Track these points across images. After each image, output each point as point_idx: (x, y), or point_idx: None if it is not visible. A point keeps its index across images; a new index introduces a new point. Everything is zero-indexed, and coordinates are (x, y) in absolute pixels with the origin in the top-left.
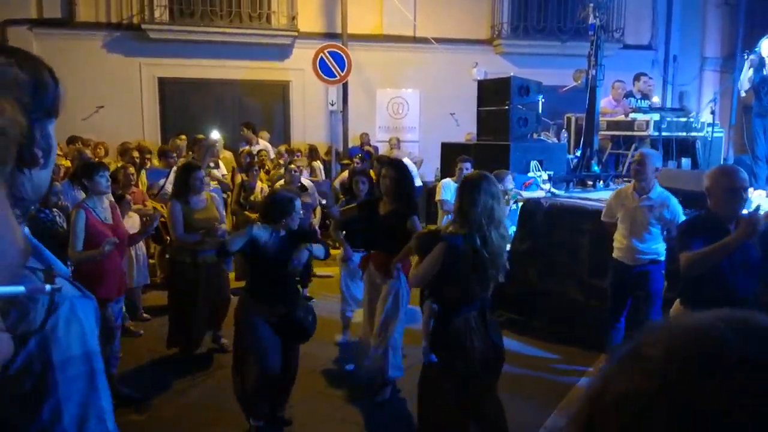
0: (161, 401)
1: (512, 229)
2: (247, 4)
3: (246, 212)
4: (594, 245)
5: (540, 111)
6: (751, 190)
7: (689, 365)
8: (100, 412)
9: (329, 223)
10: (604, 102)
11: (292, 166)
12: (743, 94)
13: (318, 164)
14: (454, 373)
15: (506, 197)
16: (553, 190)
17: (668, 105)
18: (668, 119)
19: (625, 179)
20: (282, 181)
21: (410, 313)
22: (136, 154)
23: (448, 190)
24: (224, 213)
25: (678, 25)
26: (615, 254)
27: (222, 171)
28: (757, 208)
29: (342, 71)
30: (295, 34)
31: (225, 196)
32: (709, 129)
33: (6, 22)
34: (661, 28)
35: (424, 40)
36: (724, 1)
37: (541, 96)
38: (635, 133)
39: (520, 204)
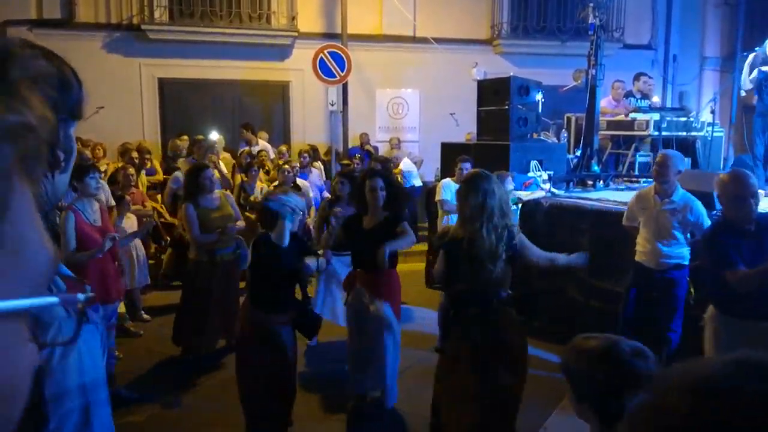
0: (161, 401)
1: None
2: (247, 4)
3: (246, 213)
4: (594, 245)
5: (540, 111)
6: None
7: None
8: None
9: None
10: (604, 102)
11: (286, 166)
12: (743, 94)
13: (318, 165)
14: (452, 358)
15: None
16: (553, 189)
17: (668, 105)
18: (668, 119)
19: (624, 179)
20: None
21: (406, 312)
22: (135, 154)
23: (448, 190)
24: (238, 210)
25: (678, 24)
26: (638, 257)
27: (222, 170)
28: None
29: (342, 71)
30: (295, 34)
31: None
32: (709, 129)
33: (5, 23)
34: (660, 27)
35: (424, 40)
36: (723, 1)
37: (541, 95)
38: (635, 133)
39: (520, 204)
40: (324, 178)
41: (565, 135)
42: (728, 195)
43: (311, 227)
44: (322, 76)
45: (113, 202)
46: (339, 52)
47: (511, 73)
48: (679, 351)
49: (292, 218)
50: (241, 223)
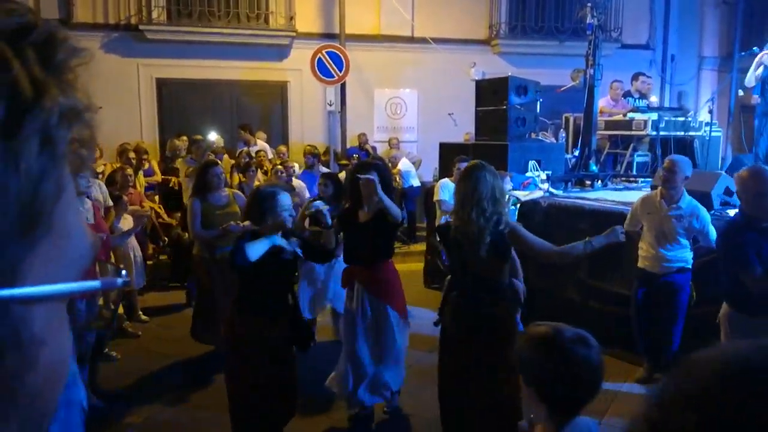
0: (160, 402)
1: None
2: (245, 4)
3: None
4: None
5: (538, 111)
6: None
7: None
8: None
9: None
10: (603, 101)
11: (279, 166)
12: (741, 93)
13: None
14: (444, 336)
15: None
16: (551, 189)
17: (666, 104)
18: (666, 119)
19: (622, 179)
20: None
21: None
22: (132, 155)
23: (446, 189)
24: None
25: (676, 24)
26: (640, 263)
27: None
28: None
29: (340, 71)
30: (293, 34)
31: None
32: (707, 128)
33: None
34: (658, 27)
35: (422, 40)
36: (721, 1)
37: (539, 95)
38: (633, 133)
39: (518, 205)
40: None
41: (564, 135)
42: (748, 191)
43: (306, 226)
44: (321, 76)
45: (111, 203)
46: (337, 52)
47: (510, 73)
48: (679, 354)
49: (276, 241)
50: (247, 223)
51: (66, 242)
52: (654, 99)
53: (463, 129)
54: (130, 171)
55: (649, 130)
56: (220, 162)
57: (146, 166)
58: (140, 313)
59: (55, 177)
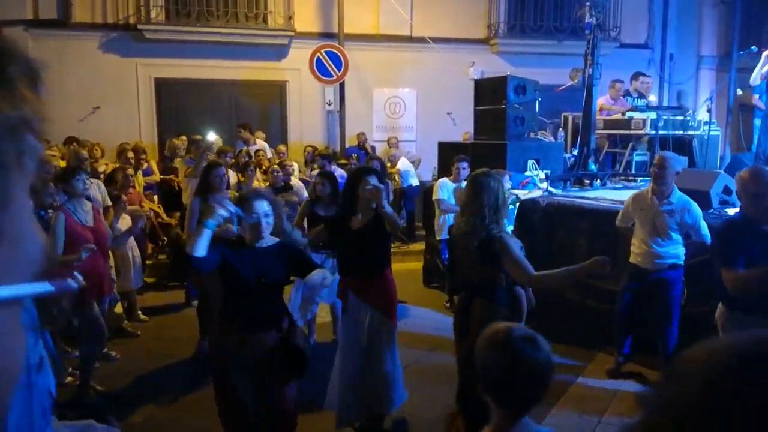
0: (159, 401)
1: (510, 228)
2: (244, 4)
3: None
4: (591, 244)
5: (537, 110)
6: None
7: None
8: None
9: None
10: (602, 99)
11: (275, 166)
12: (740, 92)
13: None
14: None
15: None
16: (550, 189)
17: (665, 103)
18: (665, 118)
19: (621, 178)
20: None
21: (404, 312)
22: (131, 155)
23: (445, 189)
24: None
25: (674, 23)
26: (632, 259)
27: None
28: None
29: (339, 71)
30: (292, 33)
31: None
32: (706, 127)
33: (1, 23)
34: (657, 26)
35: (421, 40)
36: (720, 0)
37: (538, 94)
38: (632, 132)
39: (517, 204)
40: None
41: (562, 134)
42: (748, 192)
43: (304, 226)
44: (319, 75)
45: (110, 202)
46: (336, 51)
47: (508, 73)
48: (677, 351)
49: (213, 225)
50: None
51: (16, 249)
52: (652, 98)
53: (461, 128)
54: (131, 171)
55: (647, 130)
56: (229, 160)
57: (145, 166)
58: (139, 312)
59: (1, 187)
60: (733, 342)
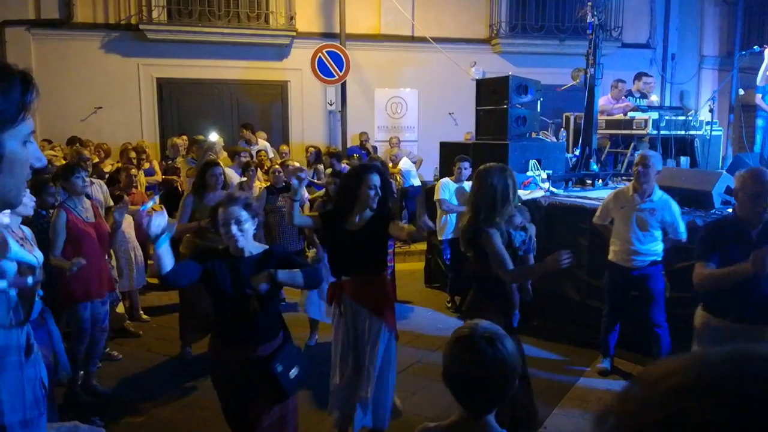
0: (160, 401)
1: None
2: (245, 4)
3: None
4: (593, 245)
5: (538, 110)
6: None
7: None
8: None
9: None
10: (603, 100)
11: (277, 166)
12: (742, 92)
13: (322, 167)
14: None
15: None
16: (552, 189)
17: (667, 103)
18: (667, 118)
19: (623, 178)
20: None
21: (406, 311)
22: (133, 154)
23: (446, 189)
24: None
25: (676, 23)
26: (611, 257)
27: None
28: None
29: (340, 71)
30: (294, 34)
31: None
32: (708, 127)
33: (4, 23)
34: (659, 26)
35: (423, 40)
36: (722, 0)
37: (539, 94)
38: (634, 132)
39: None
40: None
41: (564, 134)
42: (747, 191)
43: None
44: (321, 75)
45: (112, 203)
46: (337, 51)
47: (510, 73)
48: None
49: (165, 240)
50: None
51: None
52: (654, 98)
53: (463, 128)
54: (134, 171)
55: (649, 130)
56: (243, 160)
57: (146, 166)
58: (141, 312)
59: None
60: (695, 363)
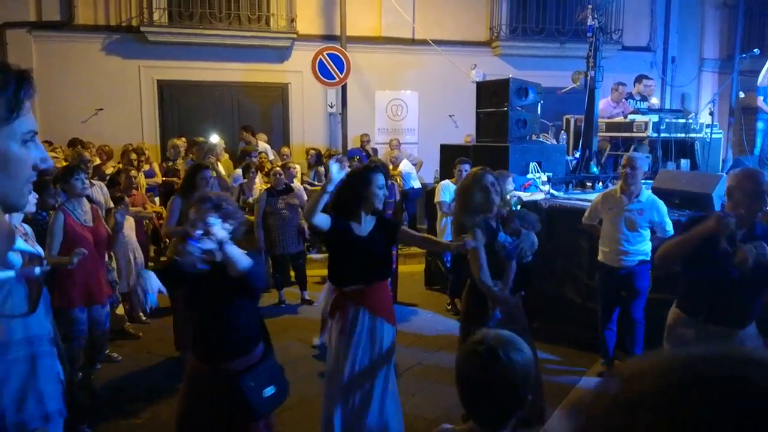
0: (160, 403)
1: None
2: (246, 6)
3: (246, 215)
4: (593, 247)
5: (539, 112)
6: None
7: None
8: (39, 395)
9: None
10: (603, 103)
11: (278, 168)
12: (742, 95)
13: (323, 170)
14: None
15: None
16: (552, 191)
17: (667, 106)
18: (667, 120)
19: None
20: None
21: (407, 312)
22: (134, 156)
23: (447, 191)
24: None
25: (676, 26)
26: (601, 258)
27: (220, 172)
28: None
29: (341, 73)
30: (294, 36)
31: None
32: (708, 130)
33: (5, 25)
34: (659, 29)
35: (423, 42)
36: (722, 2)
37: (540, 96)
38: (634, 135)
39: (519, 206)
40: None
41: (564, 137)
42: (746, 190)
43: (306, 228)
44: (321, 78)
45: (112, 204)
46: (338, 54)
47: (510, 75)
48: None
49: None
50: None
51: None
52: (655, 101)
53: (463, 131)
54: (134, 173)
55: (650, 132)
56: (255, 161)
57: (146, 167)
58: (141, 314)
59: None
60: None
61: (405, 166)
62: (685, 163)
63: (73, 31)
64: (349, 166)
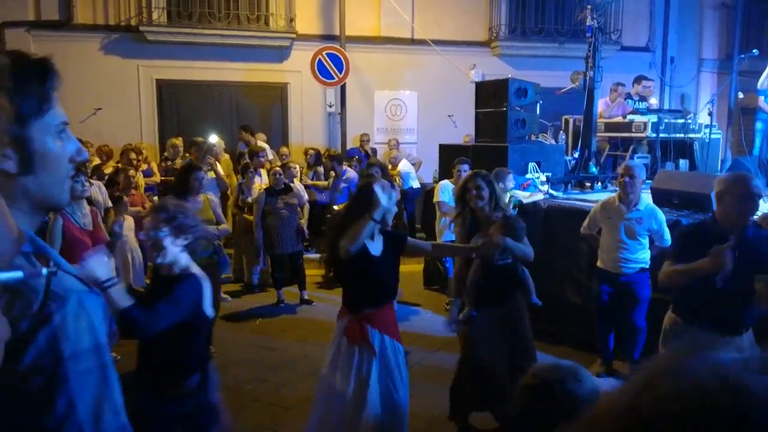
0: None
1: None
2: (245, 6)
3: (244, 215)
4: (592, 248)
5: (538, 113)
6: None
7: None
8: (114, 405)
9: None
10: (602, 104)
11: (277, 168)
12: (741, 96)
13: (322, 170)
14: None
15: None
16: (551, 191)
17: (666, 106)
18: (666, 121)
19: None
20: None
21: (406, 312)
22: (133, 155)
23: (446, 191)
24: (221, 214)
25: (675, 26)
26: (600, 264)
27: (219, 172)
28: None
29: (340, 73)
30: (294, 36)
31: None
32: (707, 130)
33: (3, 24)
34: (658, 29)
35: (422, 42)
36: (721, 3)
37: (539, 97)
38: (633, 135)
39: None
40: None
41: (563, 137)
42: (734, 194)
43: (305, 228)
44: (321, 77)
45: (110, 204)
46: (337, 53)
47: (509, 75)
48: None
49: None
50: (224, 227)
51: None
52: (654, 101)
53: (462, 131)
54: (133, 172)
55: (648, 133)
56: (262, 161)
57: (144, 167)
58: None
59: None
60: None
61: (404, 166)
62: (683, 163)
63: (71, 30)
64: (350, 166)
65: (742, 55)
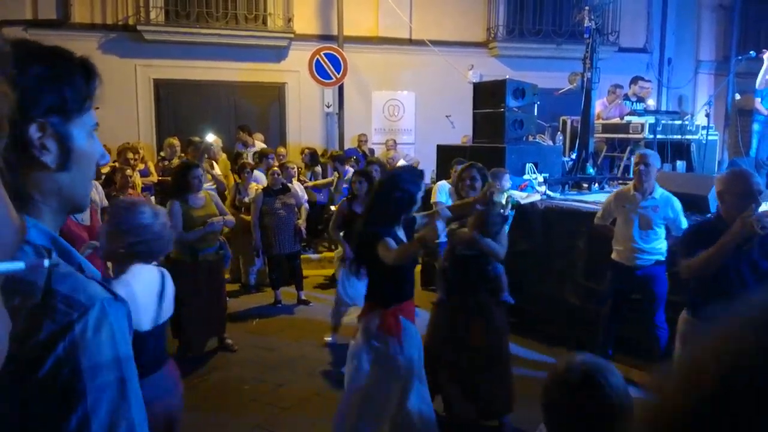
0: None
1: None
2: (243, 5)
3: (241, 215)
4: (590, 248)
5: (535, 113)
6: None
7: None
8: (130, 423)
9: (321, 227)
10: (599, 104)
11: (275, 168)
12: (738, 97)
13: (320, 170)
14: None
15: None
16: (548, 192)
17: (663, 108)
18: (663, 122)
19: (620, 182)
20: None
21: None
22: (131, 155)
23: (443, 191)
24: (224, 207)
25: (673, 28)
26: (615, 256)
27: (217, 172)
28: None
29: (338, 73)
30: (291, 36)
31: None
32: (704, 132)
33: (1, 23)
34: (656, 31)
35: (420, 43)
36: (718, 5)
37: (536, 97)
38: (630, 136)
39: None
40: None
41: (561, 138)
42: (735, 192)
43: (302, 228)
44: (318, 77)
45: (107, 203)
46: (335, 53)
47: (507, 76)
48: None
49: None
50: (229, 218)
51: None
52: (651, 102)
53: (460, 131)
54: (130, 172)
55: (646, 134)
56: (271, 162)
57: (140, 166)
58: None
59: None
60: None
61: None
62: (681, 164)
63: (69, 29)
64: (350, 166)
65: (740, 57)
